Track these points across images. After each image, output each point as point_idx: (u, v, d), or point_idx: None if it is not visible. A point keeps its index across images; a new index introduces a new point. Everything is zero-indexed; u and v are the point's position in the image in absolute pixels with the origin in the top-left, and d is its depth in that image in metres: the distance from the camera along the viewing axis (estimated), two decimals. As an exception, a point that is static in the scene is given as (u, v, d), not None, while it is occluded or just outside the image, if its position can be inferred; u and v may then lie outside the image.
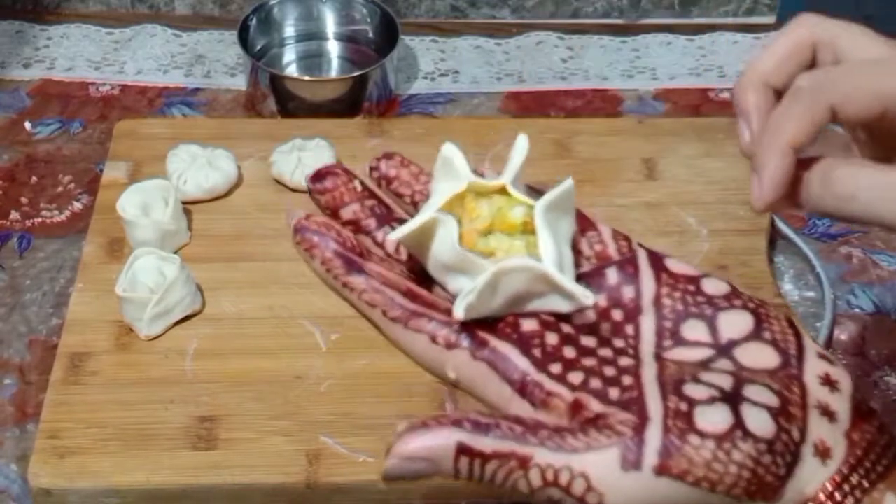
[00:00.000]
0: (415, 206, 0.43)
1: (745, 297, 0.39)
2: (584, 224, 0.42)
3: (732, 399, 0.35)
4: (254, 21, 1.05)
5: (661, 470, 0.34)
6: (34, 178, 0.95)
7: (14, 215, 0.91)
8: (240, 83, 1.05)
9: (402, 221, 0.43)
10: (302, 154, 0.89)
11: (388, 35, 1.04)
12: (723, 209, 0.87)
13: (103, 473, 0.69)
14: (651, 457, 0.34)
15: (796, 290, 0.86)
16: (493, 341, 0.38)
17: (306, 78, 1.05)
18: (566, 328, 0.39)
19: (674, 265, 0.40)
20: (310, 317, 0.79)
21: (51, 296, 0.85)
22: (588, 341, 0.38)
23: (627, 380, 0.37)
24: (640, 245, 0.41)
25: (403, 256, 0.42)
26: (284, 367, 0.76)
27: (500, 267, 0.37)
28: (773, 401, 0.36)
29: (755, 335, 0.38)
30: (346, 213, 0.43)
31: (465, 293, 0.38)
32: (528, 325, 0.39)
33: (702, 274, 0.40)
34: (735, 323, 0.38)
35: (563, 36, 1.11)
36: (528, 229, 0.40)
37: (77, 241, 0.88)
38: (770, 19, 1.15)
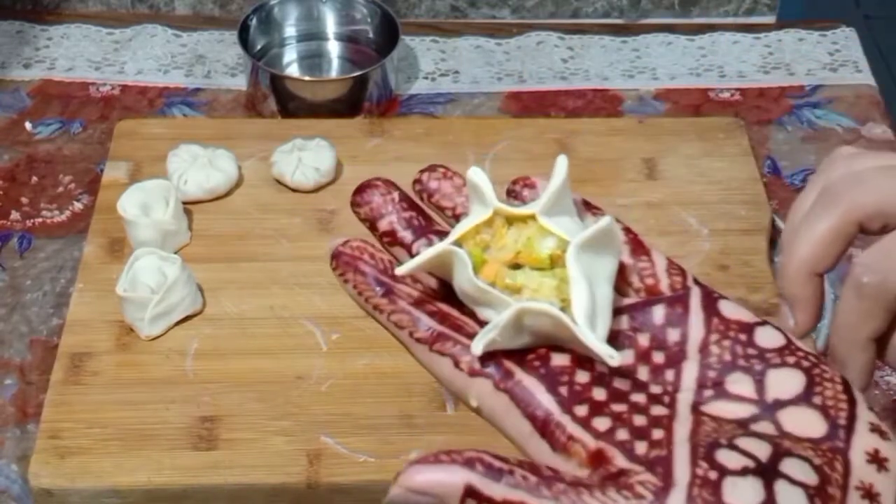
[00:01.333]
0: (456, 220, 0.42)
1: (800, 354, 0.37)
2: (639, 251, 0.39)
3: (767, 473, 0.33)
4: (254, 21, 1.05)
5: None
6: (35, 179, 0.95)
7: (14, 215, 0.91)
8: (240, 83, 1.05)
9: (441, 234, 0.42)
10: (302, 154, 0.89)
11: (388, 35, 1.03)
12: (724, 209, 0.87)
13: (104, 473, 0.69)
14: None
15: (797, 289, 0.86)
16: (519, 374, 0.37)
17: (306, 78, 1.05)
18: (600, 367, 0.37)
19: (728, 310, 0.38)
20: (311, 317, 0.79)
21: (51, 296, 0.85)
22: (621, 384, 0.36)
23: (657, 434, 0.34)
24: (696, 282, 0.39)
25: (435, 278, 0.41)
26: (285, 368, 0.76)
27: (523, 308, 0.36)
28: (812, 478, 0.33)
29: (804, 398, 0.35)
30: (383, 225, 0.42)
31: (487, 329, 0.37)
32: (559, 360, 0.37)
33: (757, 322, 0.38)
34: (785, 382, 0.36)
35: (564, 36, 1.11)
36: (560, 263, 0.37)
37: (77, 241, 0.88)
38: (770, 19, 1.15)
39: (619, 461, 0.34)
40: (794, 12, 1.17)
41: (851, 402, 0.35)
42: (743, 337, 0.37)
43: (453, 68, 1.08)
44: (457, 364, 0.38)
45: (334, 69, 1.09)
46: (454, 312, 0.40)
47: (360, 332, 0.78)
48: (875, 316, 0.39)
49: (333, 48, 1.10)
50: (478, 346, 0.37)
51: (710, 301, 0.38)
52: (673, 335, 0.37)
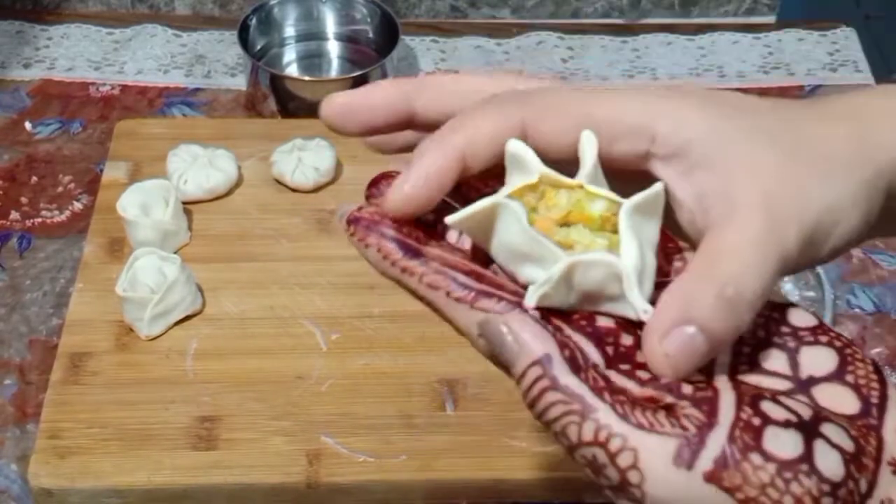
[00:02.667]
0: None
1: (832, 334, 0.37)
2: (666, 241, 0.39)
3: (808, 430, 0.33)
4: (254, 21, 1.05)
5: (712, 478, 0.32)
6: (34, 178, 0.95)
7: (14, 215, 0.91)
8: (240, 83, 1.05)
9: None
10: (302, 154, 0.89)
11: (388, 35, 1.03)
12: (723, 209, 0.87)
13: (104, 473, 0.69)
14: (706, 461, 0.32)
15: (796, 289, 0.86)
16: (568, 330, 0.36)
17: (306, 78, 1.05)
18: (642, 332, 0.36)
19: None
20: (310, 317, 0.79)
21: (51, 296, 0.85)
22: None
23: (701, 382, 0.35)
24: None
25: (466, 246, 0.40)
26: (285, 367, 0.76)
27: (580, 259, 0.35)
28: (849, 445, 0.33)
29: (837, 376, 0.36)
30: None
31: (541, 283, 0.36)
32: (605, 322, 0.36)
33: (789, 303, 0.38)
34: (818, 359, 0.36)
35: (564, 36, 1.11)
36: (609, 227, 0.37)
37: (77, 241, 0.88)
38: (770, 19, 1.15)
39: (668, 399, 0.34)
40: (794, 12, 1.17)
41: (882, 383, 0.36)
42: (776, 315, 0.37)
43: (453, 68, 1.08)
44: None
45: (334, 69, 1.09)
46: (488, 272, 0.38)
47: (359, 332, 0.78)
48: (484, 123, 0.36)
49: (333, 48, 1.10)
50: (531, 299, 0.36)
51: None
52: None
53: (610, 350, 0.36)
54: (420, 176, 0.36)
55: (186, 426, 0.72)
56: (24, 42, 1.10)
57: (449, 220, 0.37)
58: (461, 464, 0.71)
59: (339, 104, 0.40)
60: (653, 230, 0.37)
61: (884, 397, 0.35)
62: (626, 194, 0.36)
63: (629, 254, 0.36)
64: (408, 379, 0.74)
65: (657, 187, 0.37)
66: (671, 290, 0.34)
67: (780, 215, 0.35)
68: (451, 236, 0.40)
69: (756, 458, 0.32)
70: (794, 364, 0.36)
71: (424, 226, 0.40)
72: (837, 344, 0.36)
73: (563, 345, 0.34)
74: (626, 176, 0.37)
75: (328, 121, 0.40)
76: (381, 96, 0.40)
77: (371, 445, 0.71)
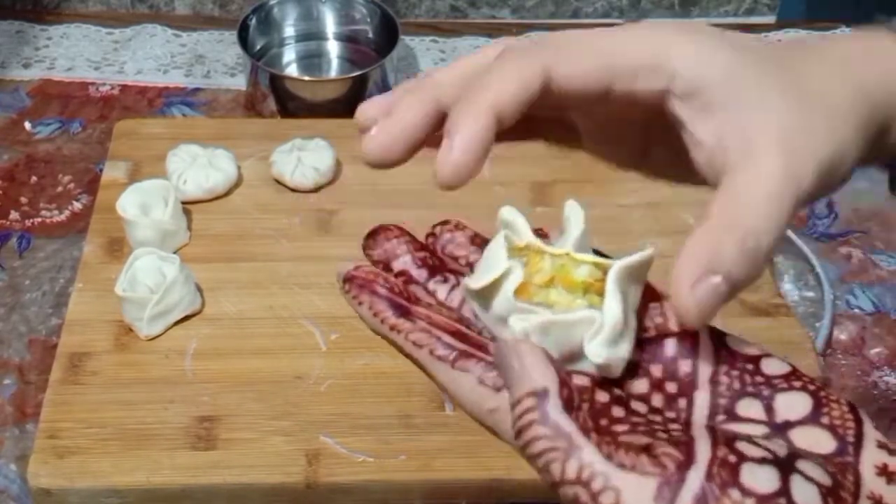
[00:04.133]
0: (469, 268, 0.43)
1: (805, 379, 0.38)
2: (651, 296, 0.40)
3: (784, 466, 0.34)
4: (253, 21, 1.05)
5: None
6: (34, 178, 0.95)
7: (14, 215, 0.91)
8: (240, 83, 1.05)
9: (455, 272, 0.42)
10: (302, 154, 0.89)
11: (387, 35, 1.03)
12: (723, 209, 0.87)
13: (103, 473, 0.69)
14: (686, 499, 0.33)
15: (796, 289, 0.86)
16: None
17: (306, 78, 1.05)
18: (618, 391, 0.38)
19: (735, 343, 0.39)
20: (310, 317, 0.79)
21: (50, 296, 0.85)
22: (638, 406, 0.38)
23: (677, 430, 0.36)
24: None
25: (455, 303, 0.42)
26: (284, 367, 0.76)
27: (561, 318, 0.37)
28: (826, 480, 0.34)
29: (813, 418, 0.36)
30: (398, 265, 0.43)
31: (518, 332, 0.38)
32: (580, 380, 0.38)
33: (763, 353, 0.39)
34: (793, 404, 0.37)
35: (563, 36, 1.11)
36: (591, 290, 0.38)
37: (77, 241, 0.88)
38: (770, 19, 1.15)
39: (644, 440, 0.35)
40: (794, 12, 1.17)
41: (858, 422, 0.36)
42: (750, 366, 0.38)
43: (453, 68, 1.08)
44: (481, 381, 0.38)
45: (334, 69, 1.09)
46: (472, 333, 0.40)
47: (359, 332, 0.77)
48: (510, 77, 0.36)
49: (333, 48, 1.10)
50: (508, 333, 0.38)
51: (718, 336, 0.39)
52: (684, 367, 0.38)
53: (585, 407, 0.37)
54: (464, 143, 0.36)
55: (186, 426, 0.72)
56: (24, 42, 1.10)
57: (472, 285, 0.39)
58: (460, 464, 0.71)
59: (378, 145, 0.39)
60: (635, 294, 0.39)
61: (860, 435, 0.36)
62: (654, 140, 0.38)
63: (613, 312, 0.37)
64: (407, 379, 0.74)
65: (649, 251, 0.38)
66: (697, 239, 0.36)
67: (798, 155, 0.36)
68: (441, 292, 0.42)
69: (735, 493, 0.33)
70: (770, 410, 0.37)
71: (417, 283, 0.42)
72: (811, 388, 0.37)
73: (564, 383, 0.36)
74: (650, 119, 0.39)
75: (375, 163, 0.39)
76: (413, 114, 0.39)
77: (370, 445, 0.71)
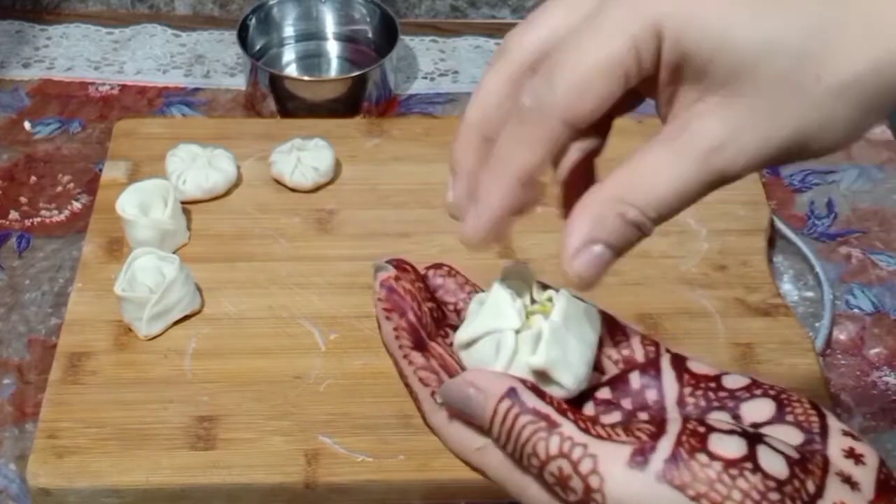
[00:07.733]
0: (457, 315, 0.45)
1: (766, 386, 0.40)
2: (615, 331, 0.42)
3: (752, 437, 0.36)
4: (253, 21, 1.05)
5: (664, 477, 0.35)
6: (34, 178, 0.95)
7: (13, 215, 0.91)
8: (239, 83, 1.05)
9: (451, 327, 0.44)
10: (301, 154, 0.89)
11: (387, 35, 1.03)
12: (722, 209, 0.87)
13: (102, 473, 0.69)
14: (657, 462, 0.35)
15: (795, 290, 0.86)
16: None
17: (306, 78, 1.05)
18: (589, 411, 0.40)
19: (695, 366, 0.41)
20: (309, 317, 0.79)
21: (50, 295, 0.85)
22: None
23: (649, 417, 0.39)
24: (667, 350, 0.42)
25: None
26: (283, 367, 0.76)
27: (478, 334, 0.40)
28: (793, 453, 0.36)
29: (778, 418, 0.38)
30: (407, 319, 0.43)
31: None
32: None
33: (722, 372, 0.41)
34: (757, 409, 0.39)
35: (563, 36, 1.11)
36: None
37: (76, 241, 0.88)
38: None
39: (620, 418, 0.39)
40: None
41: (822, 416, 0.38)
42: (713, 385, 0.40)
43: (452, 68, 1.08)
44: (468, 422, 0.40)
45: (333, 69, 1.09)
46: None
47: (358, 332, 0.78)
48: (531, 145, 0.37)
49: (332, 48, 1.10)
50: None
51: (679, 361, 0.41)
52: (651, 395, 0.40)
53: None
54: (489, 220, 0.39)
55: (185, 426, 0.72)
56: (24, 42, 1.10)
57: (462, 337, 0.41)
58: (459, 464, 0.70)
59: (475, 233, 0.39)
60: (590, 334, 0.41)
61: (825, 427, 0.38)
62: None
63: (560, 305, 0.40)
64: (406, 379, 0.74)
65: (593, 310, 0.41)
66: (585, 206, 0.37)
67: (715, 134, 0.38)
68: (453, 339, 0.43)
69: (702, 457, 0.35)
70: (737, 418, 0.39)
71: (441, 315, 0.44)
72: (772, 393, 0.39)
73: (524, 381, 0.38)
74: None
75: (479, 248, 0.40)
76: (499, 196, 0.39)
77: (369, 445, 0.71)
